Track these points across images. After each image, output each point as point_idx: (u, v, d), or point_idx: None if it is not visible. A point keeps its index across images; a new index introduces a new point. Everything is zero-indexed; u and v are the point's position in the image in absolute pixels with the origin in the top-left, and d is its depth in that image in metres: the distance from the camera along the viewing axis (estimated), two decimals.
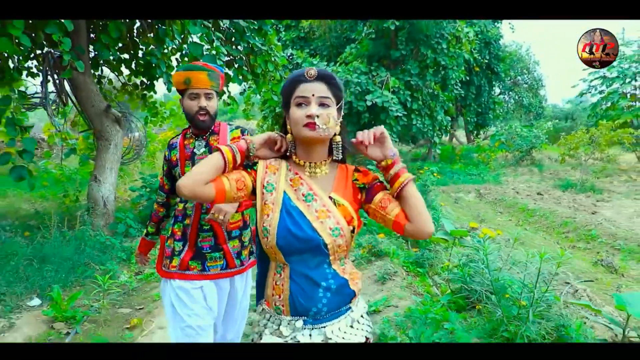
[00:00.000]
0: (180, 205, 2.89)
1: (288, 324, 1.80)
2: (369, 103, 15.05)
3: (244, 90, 10.25)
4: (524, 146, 20.11)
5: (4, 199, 10.99)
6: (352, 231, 1.81)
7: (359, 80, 15.41)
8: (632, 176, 16.80)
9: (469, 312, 4.35)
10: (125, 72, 9.32)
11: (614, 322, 3.09)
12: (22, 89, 7.67)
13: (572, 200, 12.43)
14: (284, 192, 1.82)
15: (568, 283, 5.38)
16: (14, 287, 4.96)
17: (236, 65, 8.82)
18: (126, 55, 8.59)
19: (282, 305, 1.82)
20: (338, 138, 1.83)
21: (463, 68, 18.17)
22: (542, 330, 3.59)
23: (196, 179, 1.74)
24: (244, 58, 8.81)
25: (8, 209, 9.57)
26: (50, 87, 7.67)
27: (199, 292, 2.79)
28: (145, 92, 9.64)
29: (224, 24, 8.15)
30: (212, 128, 2.86)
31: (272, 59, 9.13)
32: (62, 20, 5.70)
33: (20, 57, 7.49)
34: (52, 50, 6.97)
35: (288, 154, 1.89)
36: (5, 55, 6.85)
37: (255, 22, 8.48)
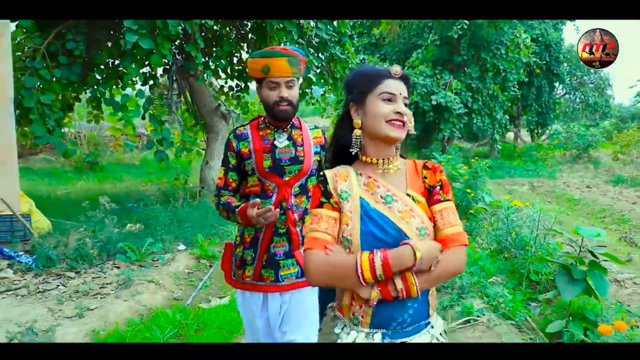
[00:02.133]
0: None
1: (365, 336, 1.69)
2: (433, 102, 16.70)
3: (324, 92, 11.99)
4: (581, 144, 21.03)
5: (122, 182, 13.22)
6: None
7: (425, 83, 16.98)
8: None
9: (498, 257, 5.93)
10: (222, 75, 11.29)
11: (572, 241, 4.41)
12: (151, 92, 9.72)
13: (618, 193, 13.55)
14: (360, 197, 1.72)
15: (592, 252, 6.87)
16: (166, 237, 6.84)
17: (318, 71, 10.55)
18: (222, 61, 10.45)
19: (362, 316, 1.69)
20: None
21: (522, 70, 19.33)
22: (543, 266, 5.20)
23: (330, 283, 1.72)
24: (325, 65, 10.53)
25: (131, 188, 11.70)
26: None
27: (264, 303, 2.64)
28: (239, 93, 11.59)
29: (307, 36, 9.86)
30: (292, 121, 2.67)
31: (349, 66, 10.82)
32: (197, 39, 7.54)
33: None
34: (180, 61, 8.91)
35: (356, 153, 1.77)
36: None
37: (335, 35, 10.17)
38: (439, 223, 1.71)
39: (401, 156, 1.83)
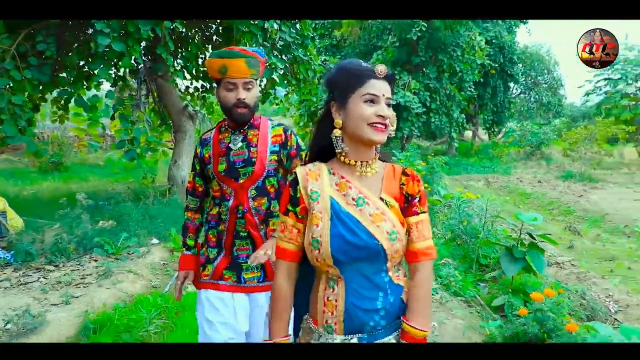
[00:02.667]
0: (214, 210, 2.65)
1: (342, 342, 1.69)
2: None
3: (287, 92, 12.37)
4: (534, 142, 21.93)
5: (89, 182, 13.35)
6: (406, 234, 1.73)
7: None
8: (631, 169, 18.62)
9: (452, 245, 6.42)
10: (188, 77, 11.54)
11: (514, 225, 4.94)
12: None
13: (567, 187, 14.34)
14: (331, 198, 1.70)
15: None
16: (140, 232, 7.12)
17: (282, 72, 10.90)
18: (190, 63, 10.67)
19: (335, 323, 1.69)
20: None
21: (478, 71, 20.09)
22: (491, 250, 5.73)
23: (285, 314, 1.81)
24: (288, 67, 10.89)
25: (99, 188, 11.87)
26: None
27: (226, 306, 2.56)
28: (204, 94, 11.88)
29: (271, 39, 10.20)
30: (252, 121, 2.60)
31: (312, 67, 11.21)
32: (167, 42, 7.81)
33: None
34: (148, 63, 9.17)
35: (337, 153, 1.74)
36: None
37: (299, 37, 10.54)
38: (413, 235, 1.72)
39: (380, 159, 1.81)
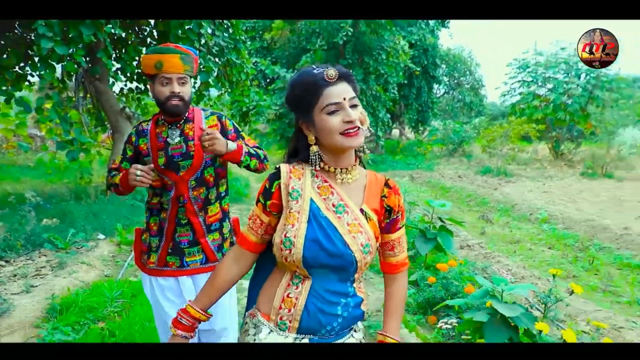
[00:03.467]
0: (155, 199, 2.76)
1: (293, 342, 1.68)
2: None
3: (220, 93, 12.91)
4: (456, 140, 23.21)
5: (22, 183, 13.34)
6: (387, 248, 1.77)
7: None
8: (543, 164, 20.11)
9: None
10: (123, 78, 11.83)
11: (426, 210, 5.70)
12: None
13: (484, 181, 15.46)
14: (311, 199, 1.67)
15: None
16: (86, 228, 7.47)
17: (216, 75, 11.37)
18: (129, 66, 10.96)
19: (290, 321, 1.67)
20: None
21: (402, 73, 21.11)
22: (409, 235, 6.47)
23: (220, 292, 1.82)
24: (222, 69, 11.37)
25: (35, 188, 11.96)
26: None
27: (177, 288, 2.75)
28: (139, 95, 12.23)
29: (207, 45, 10.65)
30: (187, 115, 2.68)
31: (244, 70, 11.74)
32: (107, 46, 8.16)
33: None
34: (86, 66, 9.45)
35: (313, 165, 1.71)
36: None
37: (231, 41, 11.04)
38: (396, 249, 1.79)
39: (361, 164, 1.79)
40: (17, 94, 10.61)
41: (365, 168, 1.82)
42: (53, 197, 9.05)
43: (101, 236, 7.41)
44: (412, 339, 3.84)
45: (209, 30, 10.01)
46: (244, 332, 1.80)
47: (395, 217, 1.76)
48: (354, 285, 1.71)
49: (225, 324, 2.83)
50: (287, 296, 1.67)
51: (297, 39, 21.35)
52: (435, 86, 29.86)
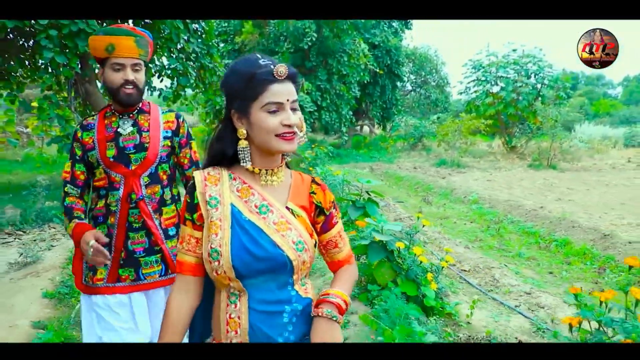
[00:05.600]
0: (100, 203, 2.43)
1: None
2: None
3: (195, 93, 14.38)
4: (416, 135, 25.01)
5: (16, 175, 14.68)
6: (315, 245, 1.63)
7: None
8: (497, 157, 21.98)
9: None
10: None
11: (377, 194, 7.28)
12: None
13: (436, 172, 17.20)
14: (232, 205, 1.55)
15: (367, 192, 9.96)
16: None
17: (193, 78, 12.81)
18: None
19: (241, 342, 1.53)
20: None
21: (364, 73, 22.81)
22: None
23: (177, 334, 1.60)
24: (196, 72, 12.84)
25: (31, 179, 13.29)
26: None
27: (126, 309, 2.39)
28: None
29: (185, 52, 12.08)
30: (141, 106, 2.48)
31: (217, 73, 13.22)
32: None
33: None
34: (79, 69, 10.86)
35: (243, 162, 1.57)
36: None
37: (205, 47, 12.49)
38: (340, 244, 1.72)
39: (286, 165, 1.69)
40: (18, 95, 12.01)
41: (290, 169, 1.72)
42: (53, 184, 10.46)
43: None
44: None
45: (185, 37, 11.44)
46: None
47: (328, 213, 1.68)
48: (296, 287, 1.58)
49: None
50: (230, 317, 1.54)
51: (266, 42, 22.76)
52: (400, 84, 31.41)
